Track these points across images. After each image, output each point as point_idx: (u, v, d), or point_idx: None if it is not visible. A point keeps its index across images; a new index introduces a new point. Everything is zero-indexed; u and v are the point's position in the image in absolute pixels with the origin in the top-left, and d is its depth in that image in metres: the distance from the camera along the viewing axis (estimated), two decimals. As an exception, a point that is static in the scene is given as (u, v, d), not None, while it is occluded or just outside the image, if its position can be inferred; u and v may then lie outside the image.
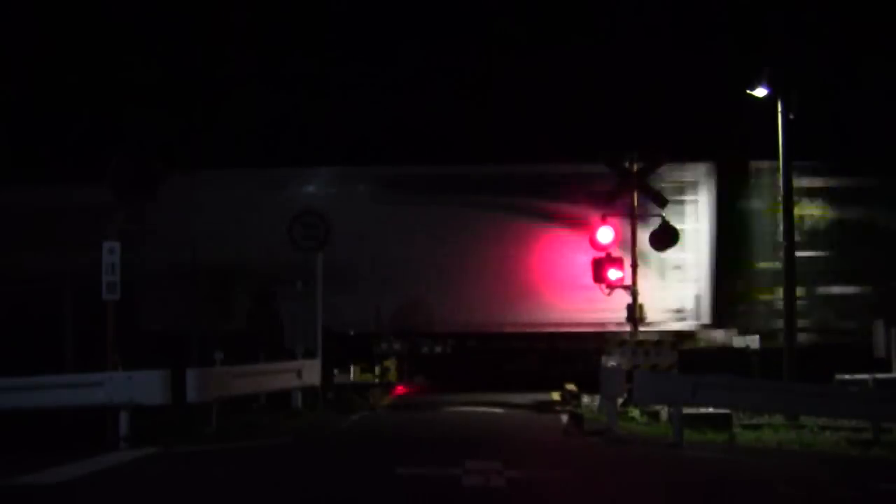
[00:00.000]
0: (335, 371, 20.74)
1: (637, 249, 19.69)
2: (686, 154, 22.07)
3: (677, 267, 21.98)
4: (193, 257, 20.06)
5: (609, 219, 19.64)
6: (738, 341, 20.58)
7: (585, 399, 19.44)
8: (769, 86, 18.23)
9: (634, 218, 19.80)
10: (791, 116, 18.06)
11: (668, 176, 21.75)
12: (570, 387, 20.40)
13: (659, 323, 21.63)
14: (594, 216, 20.09)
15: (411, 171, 22.78)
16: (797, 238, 20.35)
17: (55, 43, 28.29)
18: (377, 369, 21.75)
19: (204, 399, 15.53)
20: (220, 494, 10.68)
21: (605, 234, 19.73)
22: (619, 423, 16.15)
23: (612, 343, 18.88)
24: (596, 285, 19.82)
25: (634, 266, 19.73)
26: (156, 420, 14.69)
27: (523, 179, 22.52)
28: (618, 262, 19.53)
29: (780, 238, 19.18)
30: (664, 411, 16.73)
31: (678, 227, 20.34)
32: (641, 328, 19.79)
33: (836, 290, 21.75)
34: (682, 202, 22.08)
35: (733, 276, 22.01)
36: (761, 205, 21.84)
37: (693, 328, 22.00)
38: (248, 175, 22.77)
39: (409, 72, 29.38)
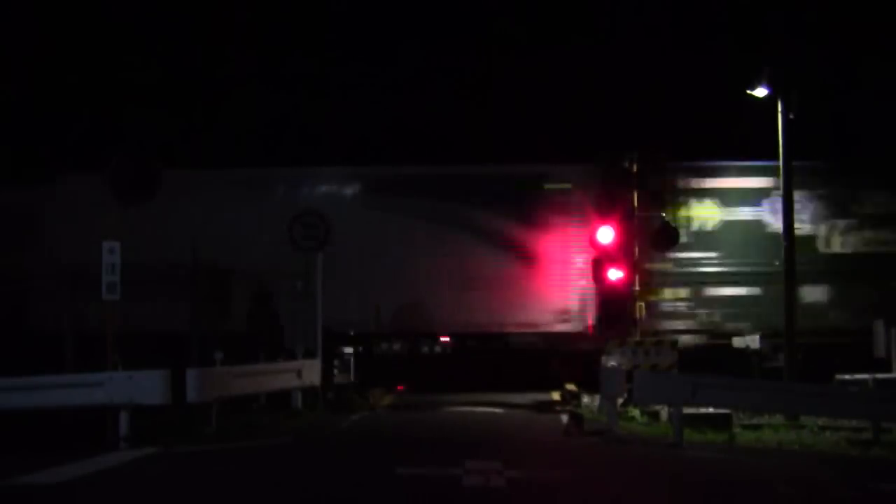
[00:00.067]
0: (335, 371, 20.76)
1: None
2: (575, 154, 22.11)
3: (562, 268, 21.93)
4: (194, 257, 20.06)
5: (609, 219, 19.64)
6: (738, 341, 20.60)
7: (585, 399, 19.44)
8: (769, 86, 18.23)
9: (633, 218, 19.80)
10: (791, 116, 18.06)
11: (552, 175, 21.95)
12: (570, 387, 20.40)
13: (541, 325, 21.73)
14: (594, 216, 20.10)
15: (411, 171, 22.76)
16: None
17: (55, 43, 28.32)
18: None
19: (204, 399, 15.52)
20: (220, 494, 10.68)
21: (604, 234, 19.72)
22: (619, 423, 16.15)
23: (612, 343, 18.86)
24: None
25: (634, 266, 19.73)
26: (156, 420, 14.69)
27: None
28: (618, 262, 19.52)
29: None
30: (664, 411, 16.73)
31: (565, 226, 20.71)
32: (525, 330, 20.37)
33: (726, 291, 21.69)
34: (567, 202, 22.02)
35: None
36: (654, 206, 20.93)
37: (578, 330, 21.90)
38: (249, 175, 22.78)
39: (409, 72, 29.44)
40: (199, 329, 19.56)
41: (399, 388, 22.73)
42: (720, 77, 24.03)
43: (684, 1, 28.69)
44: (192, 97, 28.34)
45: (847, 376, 17.23)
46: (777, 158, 18.34)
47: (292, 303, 19.52)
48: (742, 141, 21.99)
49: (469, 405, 19.90)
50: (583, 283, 21.33)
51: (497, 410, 19.40)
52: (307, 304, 19.25)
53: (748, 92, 18.50)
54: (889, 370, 17.52)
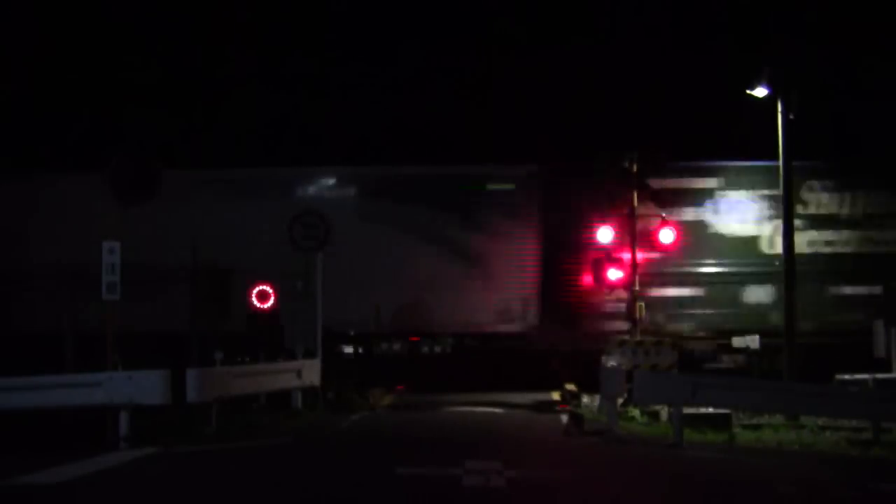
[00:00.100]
0: (335, 371, 20.73)
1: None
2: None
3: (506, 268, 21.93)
4: (194, 257, 20.06)
5: (609, 219, 19.64)
6: (738, 341, 20.59)
7: (585, 399, 19.44)
8: (769, 86, 18.22)
9: (633, 218, 19.80)
10: (791, 116, 18.06)
11: (496, 175, 22.01)
12: (570, 387, 20.39)
13: (483, 324, 21.79)
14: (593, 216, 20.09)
15: (411, 171, 22.76)
16: None
17: (55, 43, 28.33)
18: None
19: (204, 399, 15.52)
20: (220, 494, 10.68)
21: (604, 234, 19.72)
22: (619, 423, 16.15)
23: (612, 343, 18.86)
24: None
25: (635, 266, 19.73)
26: (156, 420, 14.69)
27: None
28: (618, 262, 19.51)
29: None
30: (664, 411, 16.73)
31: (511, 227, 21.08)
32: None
33: (671, 292, 21.68)
34: (511, 203, 22.03)
35: (559, 280, 21.74)
36: (598, 209, 20.88)
37: (520, 330, 21.91)
38: (249, 175, 22.78)
39: (409, 72, 29.44)
40: (199, 329, 19.56)
41: (399, 387, 22.73)
42: (720, 77, 24.04)
43: (684, 1, 28.72)
44: (192, 97, 28.36)
45: (847, 376, 17.22)
46: (777, 158, 18.35)
47: (292, 303, 19.52)
48: (742, 141, 22.00)
49: (469, 405, 19.89)
50: (526, 283, 21.57)
51: (497, 410, 19.39)
52: (307, 304, 19.25)
53: (748, 92, 18.50)
54: (889, 370, 17.52)
